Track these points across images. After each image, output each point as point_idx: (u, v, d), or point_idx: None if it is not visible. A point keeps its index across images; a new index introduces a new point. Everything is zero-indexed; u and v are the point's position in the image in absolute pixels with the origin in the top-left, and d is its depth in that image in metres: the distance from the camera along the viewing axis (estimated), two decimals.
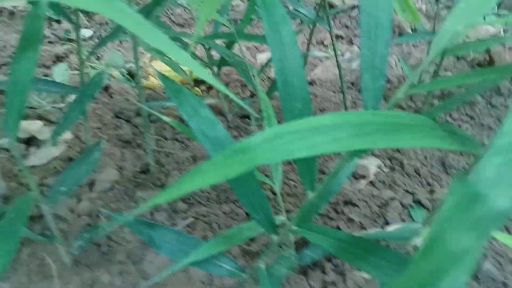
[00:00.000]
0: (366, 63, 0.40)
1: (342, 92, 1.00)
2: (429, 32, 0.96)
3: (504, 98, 1.05)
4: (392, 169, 0.88)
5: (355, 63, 1.24)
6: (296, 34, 0.64)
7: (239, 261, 0.70)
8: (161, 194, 0.25)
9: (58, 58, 1.20)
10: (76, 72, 1.12)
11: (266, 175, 0.69)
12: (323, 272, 0.72)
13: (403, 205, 0.80)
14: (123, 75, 1.15)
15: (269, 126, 0.64)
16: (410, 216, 0.79)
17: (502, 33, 1.38)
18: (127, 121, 0.97)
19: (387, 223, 0.78)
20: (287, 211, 0.78)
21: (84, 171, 0.62)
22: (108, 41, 0.69)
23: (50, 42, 1.37)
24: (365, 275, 0.68)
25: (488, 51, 1.18)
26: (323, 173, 0.85)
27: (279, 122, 0.51)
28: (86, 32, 1.42)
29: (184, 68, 1.01)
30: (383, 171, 0.87)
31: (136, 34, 0.32)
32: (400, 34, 1.51)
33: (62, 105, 0.97)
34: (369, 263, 0.38)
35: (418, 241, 0.40)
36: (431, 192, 0.83)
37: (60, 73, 0.98)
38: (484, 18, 1.55)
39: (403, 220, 0.79)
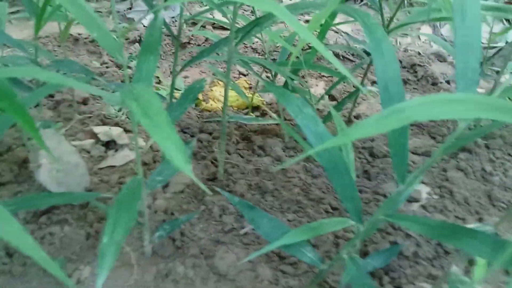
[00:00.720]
0: (460, 74, 0.48)
1: None
2: None
3: None
4: (442, 196, 0.93)
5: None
6: (353, 71, 0.72)
7: None
8: (335, 139, 0.32)
9: None
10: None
11: None
12: (381, 284, 0.76)
13: None
14: None
15: (346, 153, 0.71)
16: None
17: None
18: (192, 136, 1.05)
19: (439, 244, 0.82)
20: None
21: None
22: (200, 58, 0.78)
23: None
24: (425, 285, 0.71)
25: None
26: (378, 193, 0.91)
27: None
28: None
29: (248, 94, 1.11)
30: (434, 198, 0.92)
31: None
32: None
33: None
34: (462, 242, 0.44)
35: None
36: (480, 220, 0.88)
37: None
38: None
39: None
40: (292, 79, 0.97)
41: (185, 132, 1.06)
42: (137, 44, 1.74)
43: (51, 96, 1.17)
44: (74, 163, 0.80)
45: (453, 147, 0.46)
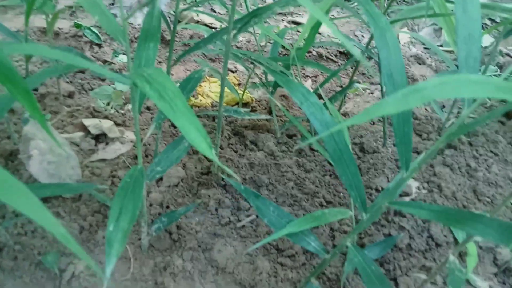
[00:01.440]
0: (462, 62, 0.49)
1: (384, 127, 1.10)
2: None
3: None
4: (431, 191, 0.95)
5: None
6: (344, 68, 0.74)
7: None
8: (353, 118, 0.33)
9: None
10: None
11: None
12: None
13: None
14: None
15: None
16: (451, 232, 0.86)
17: None
18: None
19: (431, 236, 0.84)
20: None
21: (175, 157, 0.68)
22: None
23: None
24: (420, 275, 0.73)
25: (504, 100, 1.30)
26: (370, 188, 0.92)
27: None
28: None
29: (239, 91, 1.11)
30: (423, 192, 0.94)
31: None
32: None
33: (125, 109, 1.04)
34: (469, 225, 0.45)
35: None
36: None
37: None
38: None
39: (445, 236, 0.85)
40: (285, 74, 0.97)
41: (175, 127, 1.05)
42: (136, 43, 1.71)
43: (35, 89, 1.13)
44: (65, 155, 0.78)
45: (456, 134, 0.47)
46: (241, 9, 1.94)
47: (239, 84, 1.37)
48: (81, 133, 0.91)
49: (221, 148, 0.98)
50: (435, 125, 1.21)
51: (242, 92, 1.15)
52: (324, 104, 1.03)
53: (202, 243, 0.75)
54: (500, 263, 0.83)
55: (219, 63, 1.81)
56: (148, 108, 1.11)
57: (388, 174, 0.98)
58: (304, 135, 0.78)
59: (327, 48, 1.81)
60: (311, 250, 0.58)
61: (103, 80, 1.25)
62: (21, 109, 0.98)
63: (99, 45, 1.68)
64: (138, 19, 1.95)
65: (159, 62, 1.61)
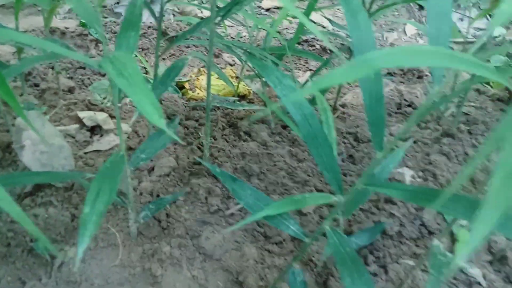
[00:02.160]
0: (433, 40, 0.49)
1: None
2: None
3: None
4: (425, 179, 0.94)
5: (384, 90, 1.34)
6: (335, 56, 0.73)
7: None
8: (306, 88, 0.33)
9: None
10: None
11: None
12: (366, 263, 0.77)
13: (438, 211, 0.86)
14: (171, 86, 1.25)
15: (328, 131, 0.72)
16: (445, 220, 0.85)
17: None
18: (179, 123, 1.05)
19: (423, 224, 0.83)
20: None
21: (161, 143, 0.69)
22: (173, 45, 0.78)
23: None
24: (410, 262, 0.72)
25: (506, 88, 1.28)
26: None
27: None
28: None
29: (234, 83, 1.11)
30: (417, 181, 0.93)
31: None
32: None
33: (122, 102, 1.06)
34: (439, 204, 0.44)
35: None
36: None
37: None
38: None
39: (438, 224, 0.84)
40: (276, 64, 0.98)
41: (170, 119, 1.06)
42: None
43: (36, 85, 1.16)
44: (58, 146, 0.80)
45: (425, 113, 0.47)
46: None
47: (237, 77, 1.37)
48: (76, 125, 0.93)
49: (214, 138, 0.99)
50: (434, 114, 1.20)
51: (237, 85, 1.16)
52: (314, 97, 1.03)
53: (190, 231, 0.76)
54: (495, 251, 0.81)
55: (221, 58, 1.82)
56: None
57: None
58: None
59: (331, 41, 1.80)
60: (291, 234, 0.58)
61: (103, 75, 1.27)
62: (18, 99, 1.00)
63: None
64: (144, 18, 1.97)
65: (164, 59, 1.63)
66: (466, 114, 1.19)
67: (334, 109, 1.22)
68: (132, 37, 0.62)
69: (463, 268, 0.76)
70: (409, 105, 1.26)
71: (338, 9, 2.40)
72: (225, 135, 1.01)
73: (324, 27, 2.03)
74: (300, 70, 1.65)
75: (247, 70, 1.21)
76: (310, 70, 1.70)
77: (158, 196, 0.81)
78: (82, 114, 0.93)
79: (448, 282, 0.74)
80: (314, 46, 1.82)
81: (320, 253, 0.75)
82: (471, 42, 2.07)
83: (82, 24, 1.74)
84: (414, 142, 1.06)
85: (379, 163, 0.52)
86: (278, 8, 2.26)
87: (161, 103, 1.15)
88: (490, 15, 1.95)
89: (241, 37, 1.78)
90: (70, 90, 1.15)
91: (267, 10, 2.27)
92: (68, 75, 1.26)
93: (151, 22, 1.92)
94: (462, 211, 0.43)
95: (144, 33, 1.76)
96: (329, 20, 1.14)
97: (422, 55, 0.34)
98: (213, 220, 0.79)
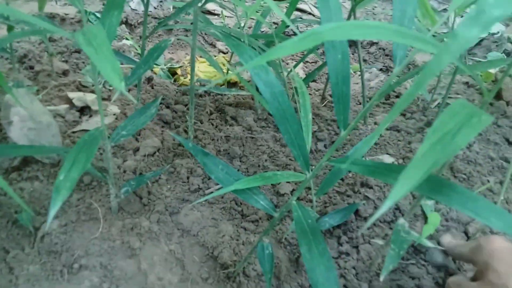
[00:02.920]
0: (396, 21, 0.51)
1: (363, 104, 1.11)
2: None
3: (510, 120, 1.15)
4: None
5: (373, 82, 1.36)
6: None
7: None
8: (261, 56, 0.35)
9: None
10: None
11: None
12: (339, 243, 0.79)
13: (414, 196, 0.88)
14: (163, 72, 1.27)
15: (305, 113, 0.74)
16: (420, 206, 0.87)
17: None
18: (167, 107, 1.08)
19: (398, 208, 0.85)
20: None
21: (142, 121, 0.72)
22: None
23: None
24: (379, 241, 0.75)
25: (495, 81, 1.29)
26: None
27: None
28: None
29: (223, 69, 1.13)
30: None
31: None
32: None
33: (116, 96, 1.08)
34: (389, 177, 0.47)
35: None
36: None
37: None
38: None
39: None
40: (264, 50, 1.00)
41: (160, 103, 1.08)
42: (123, 25, 1.76)
43: (31, 67, 1.19)
44: (46, 123, 0.83)
45: (385, 92, 0.49)
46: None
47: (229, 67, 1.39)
48: (66, 106, 0.96)
49: (201, 122, 1.01)
50: (420, 105, 1.21)
51: (227, 71, 1.18)
52: (304, 80, 1.05)
53: (170, 207, 0.79)
54: (471, 235, 0.83)
55: (216, 47, 1.84)
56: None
57: None
58: None
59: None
60: (260, 208, 0.60)
61: None
62: (9, 76, 1.03)
63: None
64: (142, 6, 1.99)
65: None
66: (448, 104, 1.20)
67: (323, 98, 1.24)
68: (115, 16, 0.64)
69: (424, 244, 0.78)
70: (397, 96, 1.28)
71: None
72: (212, 119, 1.03)
73: (314, 15, 2.05)
74: (294, 60, 1.67)
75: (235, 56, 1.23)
76: (307, 62, 1.72)
77: (141, 174, 0.84)
78: (72, 95, 0.96)
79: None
80: None
81: (295, 232, 0.78)
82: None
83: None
84: (398, 131, 1.08)
85: (341, 140, 0.55)
86: None
87: (152, 88, 1.17)
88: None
89: (239, 28, 1.80)
90: (64, 73, 1.17)
91: None
92: (63, 59, 1.28)
93: (150, 11, 1.94)
94: (419, 188, 0.45)
95: (142, 21, 1.78)
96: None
97: (367, 29, 0.36)
98: (193, 198, 0.81)
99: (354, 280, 0.73)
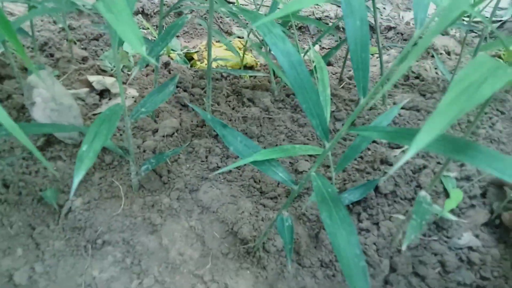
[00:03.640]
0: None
1: (382, 85, 1.09)
2: None
3: None
4: None
5: (391, 64, 1.34)
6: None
7: None
8: (279, 12, 0.35)
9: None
10: None
11: None
12: (359, 220, 0.79)
13: (434, 173, 0.87)
14: (180, 58, 1.28)
15: (323, 88, 0.74)
16: (442, 183, 0.85)
17: None
18: (185, 90, 1.08)
19: (419, 186, 0.84)
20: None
21: (160, 99, 0.72)
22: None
23: None
24: (400, 216, 0.74)
25: None
26: None
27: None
28: None
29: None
30: None
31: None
32: None
33: (132, 70, 1.09)
34: (408, 139, 0.46)
35: None
36: (461, 165, 0.89)
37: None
38: None
39: (435, 186, 0.85)
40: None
41: (177, 87, 1.09)
42: (140, 15, 1.78)
43: (52, 55, 1.21)
44: (67, 105, 0.84)
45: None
46: None
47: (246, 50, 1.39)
48: (86, 89, 0.97)
49: (218, 104, 1.02)
50: (440, 85, 1.19)
51: (243, 54, 1.18)
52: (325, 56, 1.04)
53: (189, 185, 0.79)
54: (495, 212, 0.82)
55: (232, 32, 1.83)
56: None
57: None
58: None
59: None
60: (279, 180, 0.60)
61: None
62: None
63: None
64: None
65: (178, 36, 1.67)
66: None
67: (340, 80, 1.23)
68: None
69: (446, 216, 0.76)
70: (417, 77, 1.26)
71: None
72: (229, 101, 1.03)
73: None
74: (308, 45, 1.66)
75: (251, 40, 1.23)
76: (323, 48, 1.71)
77: (161, 153, 0.85)
78: (91, 78, 0.97)
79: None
80: (327, 23, 1.82)
81: (314, 208, 0.78)
82: (493, 22, 2.03)
83: None
84: (417, 110, 1.06)
85: (362, 107, 0.54)
86: None
87: (169, 73, 1.18)
88: None
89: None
90: (84, 60, 1.19)
91: None
92: (82, 46, 1.30)
93: (166, 1, 1.95)
94: (443, 149, 0.45)
95: (157, 11, 1.79)
96: None
97: None
98: (212, 176, 0.82)
99: (375, 255, 0.73)
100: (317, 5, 1.93)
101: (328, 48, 1.72)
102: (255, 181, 0.81)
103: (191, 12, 1.84)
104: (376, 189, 0.80)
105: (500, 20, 2.07)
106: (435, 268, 0.72)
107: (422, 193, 0.65)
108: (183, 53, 1.30)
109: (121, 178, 0.80)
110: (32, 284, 0.66)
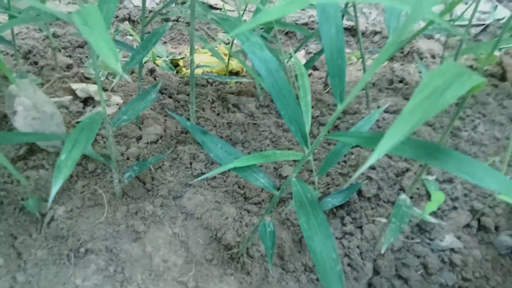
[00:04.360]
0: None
1: (366, 89, 1.11)
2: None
3: None
4: None
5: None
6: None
7: None
8: (252, 20, 0.35)
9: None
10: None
11: None
12: (343, 224, 0.79)
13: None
14: (166, 64, 1.28)
15: (304, 94, 0.74)
16: (424, 186, 0.86)
17: None
18: (170, 97, 1.09)
19: (402, 189, 0.85)
20: None
21: (142, 106, 0.72)
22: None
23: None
24: (383, 219, 0.75)
25: (500, 63, 1.28)
26: None
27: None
28: None
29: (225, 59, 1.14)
30: None
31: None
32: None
33: (117, 78, 1.09)
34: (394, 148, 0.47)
35: None
36: None
37: None
38: None
39: (417, 189, 0.86)
40: (265, 38, 1.00)
41: (162, 93, 1.09)
42: (126, 21, 1.78)
43: (36, 63, 1.20)
44: (50, 113, 0.84)
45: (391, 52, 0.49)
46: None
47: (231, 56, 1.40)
48: (70, 97, 0.97)
49: (203, 110, 1.02)
50: None
51: (228, 60, 1.18)
52: (305, 65, 1.05)
53: (173, 192, 0.79)
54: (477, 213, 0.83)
55: (222, 44, 1.84)
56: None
57: None
58: None
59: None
60: (260, 186, 0.61)
61: None
62: (11, 68, 1.05)
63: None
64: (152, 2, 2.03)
65: (164, 42, 1.67)
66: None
67: (326, 85, 1.24)
68: (112, 2, 0.65)
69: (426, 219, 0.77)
70: (401, 81, 1.27)
71: None
72: (214, 107, 1.04)
73: None
74: (294, 46, 1.67)
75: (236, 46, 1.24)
76: (310, 52, 1.72)
77: (144, 160, 0.85)
78: (75, 86, 0.97)
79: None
80: (313, 28, 1.83)
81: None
82: (476, 25, 2.06)
83: None
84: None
85: (339, 113, 0.55)
86: None
87: (155, 79, 1.18)
88: None
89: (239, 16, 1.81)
90: (68, 67, 1.19)
91: None
92: (67, 54, 1.30)
93: (153, 7, 1.96)
94: (415, 154, 0.45)
95: (146, 16, 1.79)
96: None
97: None
98: (196, 183, 0.82)
99: (358, 259, 0.74)
100: (303, 10, 1.95)
101: (316, 53, 1.73)
102: (239, 187, 0.82)
103: (177, 19, 1.85)
104: (360, 192, 0.81)
105: (483, 24, 2.10)
106: (418, 270, 0.73)
107: (402, 196, 0.66)
108: (169, 59, 1.30)
109: (104, 186, 0.80)
110: None
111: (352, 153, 0.90)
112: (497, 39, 0.55)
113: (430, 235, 0.78)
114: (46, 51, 1.26)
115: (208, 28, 1.91)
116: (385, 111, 1.11)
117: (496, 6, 2.25)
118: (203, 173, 0.84)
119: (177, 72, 1.27)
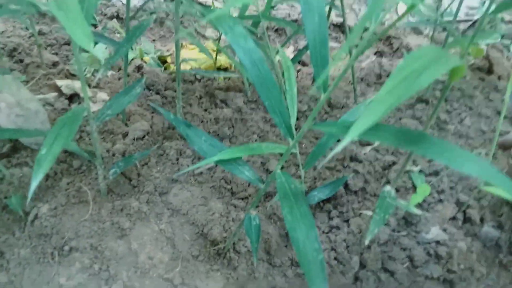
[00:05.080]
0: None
1: (353, 84, 1.11)
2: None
3: (501, 94, 1.15)
4: None
5: (364, 63, 1.36)
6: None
7: None
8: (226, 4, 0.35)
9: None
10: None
11: None
12: (329, 217, 0.79)
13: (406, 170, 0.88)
14: (154, 61, 1.27)
15: (290, 87, 0.74)
16: (411, 179, 0.87)
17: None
18: (157, 93, 1.08)
19: (388, 182, 0.85)
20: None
21: (126, 101, 0.72)
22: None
23: None
24: (370, 213, 0.74)
25: (487, 57, 1.28)
26: None
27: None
28: None
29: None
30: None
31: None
32: None
33: (102, 74, 1.08)
34: (368, 134, 0.46)
35: None
36: (430, 160, 0.91)
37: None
38: None
39: (403, 182, 0.86)
40: (253, 32, 1.00)
41: (150, 89, 1.08)
42: (115, 19, 1.76)
43: (21, 60, 1.19)
44: (34, 110, 0.83)
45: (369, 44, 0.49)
46: None
47: (220, 51, 1.39)
48: (55, 94, 0.96)
49: (190, 106, 1.01)
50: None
51: (215, 55, 1.18)
52: (293, 59, 1.04)
53: (159, 188, 0.79)
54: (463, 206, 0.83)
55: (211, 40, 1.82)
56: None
57: None
58: None
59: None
60: (245, 179, 0.60)
61: (86, 50, 1.30)
62: None
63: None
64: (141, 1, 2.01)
65: (154, 40, 1.66)
66: (442, 82, 1.20)
67: (314, 81, 1.24)
68: None
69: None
70: (389, 76, 1.27)
71: None
72: (202, 103, 1.03)
73: None
74: (287, 47, 1.67)
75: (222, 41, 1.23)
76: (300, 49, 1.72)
77: (130, 156, 0.84)
78: (60, 83, 0.96)
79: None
80: None
81: None
82: (464, 21, 2.07)
83: None
84: None
85: (322, 102, 0.54)
86: None
87: (142, 76, 1.17)
88: None
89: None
90: (54, 65, 1.17)
91: None
92: (53, 51, 1.28)
93: (140, 5, 1.94)
94: (396, 141, 0.45)
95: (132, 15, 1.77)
96: None
97: None
98: (182, 178, 0.81)
99: (344, 253, 0.73)
100: (293, 6, 1.94)
101: (304, 48, 1.73)
102: (226, 182, 0.81)
103: (167, 16, 1.84)
104: (346, 186, 0.81)
105: (471, 20, 2.12)
106: (404, 263, 0.73)
107: (387, 187, 0.66)
108: (157, 56, 1.29)
109: (89, 183, 0.79)
110: None
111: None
112: (476, 30, 0.55)
113: (416, 228, 0.78)
114: (31, 49, 1.25)
115: (197, 24, 1.90)
116: None
117: (484, 1, 2.27)
118: None
119: (165, 69, 1.26)
